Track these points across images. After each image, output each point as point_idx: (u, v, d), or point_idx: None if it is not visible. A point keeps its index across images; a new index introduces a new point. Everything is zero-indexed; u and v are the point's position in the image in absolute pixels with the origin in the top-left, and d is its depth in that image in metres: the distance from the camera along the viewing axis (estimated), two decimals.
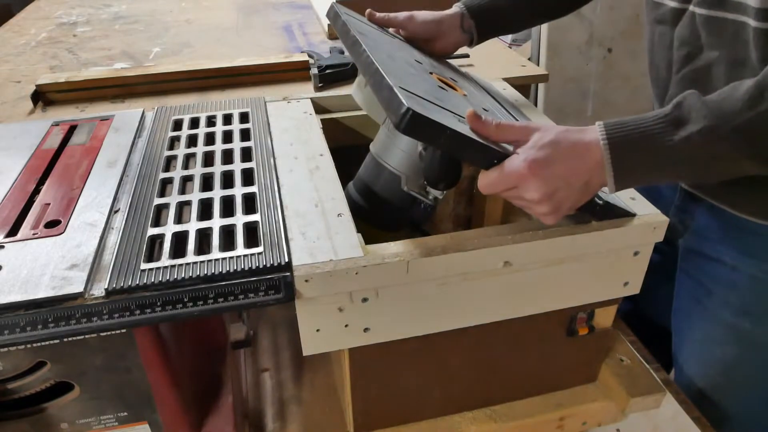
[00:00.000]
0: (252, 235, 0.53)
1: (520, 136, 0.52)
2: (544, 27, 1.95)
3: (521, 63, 1.03)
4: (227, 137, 0.69)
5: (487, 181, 0.52)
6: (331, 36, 1.20)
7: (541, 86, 2.05)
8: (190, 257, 0.49)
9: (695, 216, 0.76)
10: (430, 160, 0.55)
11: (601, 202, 0.55)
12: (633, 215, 0.56)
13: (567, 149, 0.51)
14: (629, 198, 0.59)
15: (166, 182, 0.61)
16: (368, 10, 0.76)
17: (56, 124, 0.73)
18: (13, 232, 0.53)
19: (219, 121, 0.74)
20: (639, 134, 0.51)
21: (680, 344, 0.83)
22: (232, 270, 0.48)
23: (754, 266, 0.70)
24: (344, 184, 0.61)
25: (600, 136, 0.51)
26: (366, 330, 0.54)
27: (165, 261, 0.49)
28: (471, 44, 0.79)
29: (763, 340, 0.73)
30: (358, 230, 0.53)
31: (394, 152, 0.62)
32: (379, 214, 0.65)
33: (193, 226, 0.53)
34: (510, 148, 0.53)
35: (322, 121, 0.77)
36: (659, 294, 0.88)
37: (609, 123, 0.52)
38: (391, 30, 0.78)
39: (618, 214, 0.56)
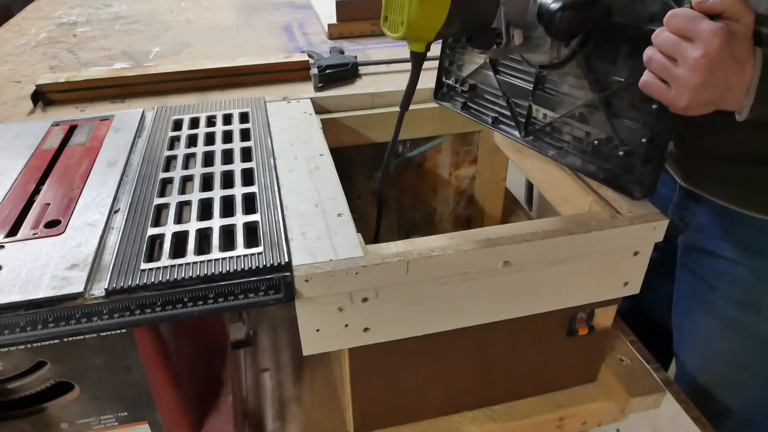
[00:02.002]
0: (252, 235, 0.53)
1: (733, 12, 0.48)
2: None
3: None
4: (227, 137, 0.69)
5: (677, 11, 0.49)
6: (331, 36, 1.20)
7: None
8: (190, 257, 0.49)
9: (696, 213, 0.76)
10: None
11: None
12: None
13: (749, 51, 0.49)
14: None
15: (166, 182, 0.61)
16: None
17: (56, 124, 0.73)
18: (13, 232, 0.53)
19: (219, 121, 0.74)
20: None
21: (682, 340, 0.83)
22: (232, 270, 0.48)
23: (757, 261, 0.71)
24: (344, 184, 0.61)
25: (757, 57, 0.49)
26: (366, 330, 0.54)
27: (165, 261, 0.49)
28: None
29: (767, 333, 0.73)
30: None
31: None
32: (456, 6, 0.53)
33: (193, 226, 0.53)
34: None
35: (322, 121, 0.77)
36: (658, 291, 0.88)
37: None
38: None
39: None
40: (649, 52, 0.51)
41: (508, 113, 0.71)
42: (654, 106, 0.54)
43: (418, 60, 0.57)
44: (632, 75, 0.55)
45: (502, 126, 0.73)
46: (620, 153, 0.58)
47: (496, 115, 0.73)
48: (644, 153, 0.56)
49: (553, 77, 0.64)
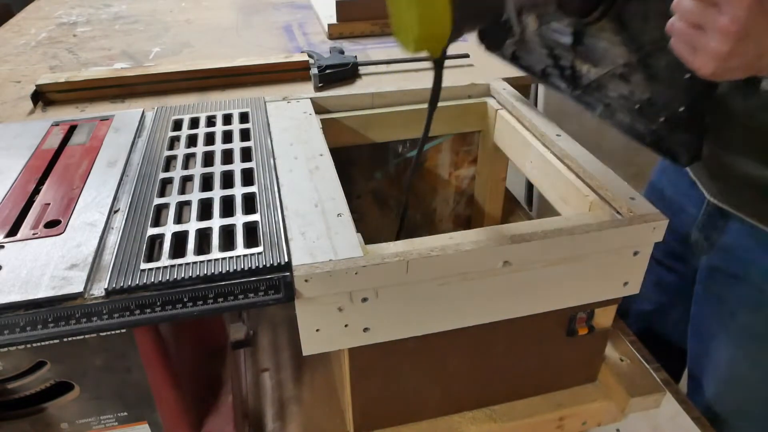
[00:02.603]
0: (252, 235, 0.53)
1: None
2: None
3: None
4: (227, 137, 0.69)
5: None
6: (331, 36, 1.20)
7: (541, 86, 2.05)
8: (190, 257, 0.49)
9: (723, 233, 0.73)
10: None
11: None
12: None
13: None
14: (629, 198, 0.59)
15: (166, 182, 0.61)
16: None
17: (56, 124, 0.73)
18: (13, 232, 0.53)
19: (219, 121, 0.74)
20: None
21: (697, 364, 0.81)
22: (231, 270, 0.48)
23: None
24: (344, 184, 0.61)
25: None
26: (366, 330, 0.54)
27: (165, 261, 0.49)
28: None
29: None
30: None
31: None
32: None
33: (192, 226, 0.53)
34: None
35: (322, 121, 0.77)
36: (675, 314, 0.86)
37: None
38: None
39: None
40: (671, 20, 0.47)
41: (555, 66, 0.67)
42: (686, 76, 0.50)
43: (438, 64, 0.55)
44: (664, 36, 0.49)
45: (551, 78, 0.68)
46: (661, 119, 0.55)
47: (545, 66, 0.69)
48: (684, 121, 0.52)
49: (592, 32, 0.60)
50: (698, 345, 0.82)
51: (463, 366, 0.63)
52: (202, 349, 0.66)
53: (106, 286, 0.46)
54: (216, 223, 0.54)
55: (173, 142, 0.69)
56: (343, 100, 0.84)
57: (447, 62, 1.06)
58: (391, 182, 0.99)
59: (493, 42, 0.57)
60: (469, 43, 1.16)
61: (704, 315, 0.80)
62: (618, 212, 0.59)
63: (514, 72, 0.97)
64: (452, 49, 1.13)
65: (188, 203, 0.57)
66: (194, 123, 0.73)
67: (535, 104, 1.91)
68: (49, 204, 0.57)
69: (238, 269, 0.48)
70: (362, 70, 1.01)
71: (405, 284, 0.52)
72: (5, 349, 0.47)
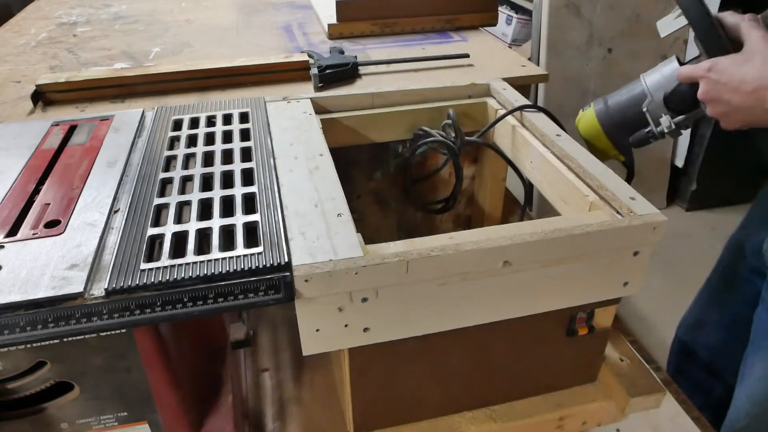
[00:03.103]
0: (252, 235, 0.53)
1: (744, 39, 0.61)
2: (544, 27, 1.95)
3: (521, 63, 1.03)
4: (227, 137, 0.69)
5: (688, 64, 0.66)
6: (331, 36, 1.20)
7: (541, 86, 2.05)
8: (190, 257, 0.49)
9: None
10: (678, 85, 0.68)
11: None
12: None
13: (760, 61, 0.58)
14: (629, 198, 0.59)
15: (166, 182, 0.61)
16: None
17: (56, 124, 0.73)
18: (13, 232, 0.53)
19: (219, 121, 0.74)
20: None
21: (741, 376, 0.82)
22: (231, 270, 0.48)
23: None
24: (344, 184, 0.61)
25: None
26: (366, 330, 0.54)
27: (165, 261, 0.49)
28: None
29: None
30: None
31: (655, 75, 0.72)
32: (614, 120, 0.75)
33: (192, 226, 0.53)
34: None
35: (322, 121, 0.77)
36: None
37: None
38: None
39: None
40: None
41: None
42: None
43: (624, 164, 0.78)
44: None
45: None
46: None
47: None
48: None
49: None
50: (746, 355, 0.82)
51: (463, 366, 0.63)
52: (202, 349, 0.66)
53: (106, 286, 0.46)
54: (216, 223, 0.54)
55: (173, 142, 0.69)
56: (343, 100, 0.84)
57: (447, 62, 1.07)
58: (391, 182, 0.99)
59: (640, 144, 0.76)
60: (470, 43, 1.16)
61: (756, 326, 0.80)
62: (618, 212, 0.59)
63: (514, 72, 0.98)
64: (453, 49, 1.13)
65: (188, 203, 0.57)
66: (194, 123, 0.73)
67: (535, 104, 1.90)
68: (49, 204, 0.57)
69: (238, 269, 0.48)
70: (362, 70, 1.01)
71: (405, 284, 0.52)
72: (5, 349, 0.47)
